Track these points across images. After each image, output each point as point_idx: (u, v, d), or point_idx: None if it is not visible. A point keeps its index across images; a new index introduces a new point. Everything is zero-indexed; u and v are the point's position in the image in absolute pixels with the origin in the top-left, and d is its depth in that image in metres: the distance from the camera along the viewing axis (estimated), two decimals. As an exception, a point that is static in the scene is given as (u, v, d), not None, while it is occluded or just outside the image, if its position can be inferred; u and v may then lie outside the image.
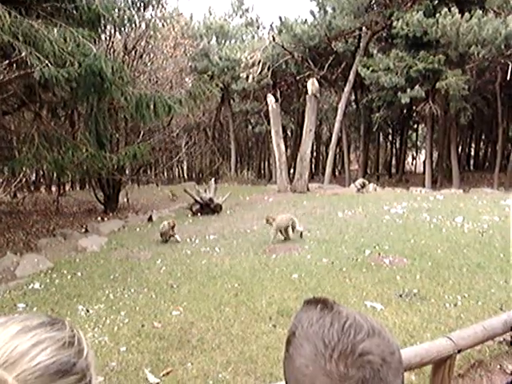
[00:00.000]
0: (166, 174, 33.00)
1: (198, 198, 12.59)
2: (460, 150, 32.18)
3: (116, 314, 5.17)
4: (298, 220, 8.82)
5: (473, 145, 36.31)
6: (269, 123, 19.63)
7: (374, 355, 0.68)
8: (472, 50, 18.37)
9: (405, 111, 28.56)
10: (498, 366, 3.77)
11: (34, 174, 21.91)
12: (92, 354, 0.72)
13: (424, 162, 27.66)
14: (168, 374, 3.74)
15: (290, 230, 8.61)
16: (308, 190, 16.23)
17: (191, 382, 3.59)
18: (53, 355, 0.63)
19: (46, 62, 7.37)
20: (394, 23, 19.91)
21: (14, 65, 8.36)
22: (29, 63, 7.43)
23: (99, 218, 13.56)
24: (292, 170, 22.02)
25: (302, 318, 0.76)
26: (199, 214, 12.41)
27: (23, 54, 7.15)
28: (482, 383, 3.59)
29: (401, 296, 5.32)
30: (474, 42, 18.08)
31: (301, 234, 8.72)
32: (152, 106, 10.18)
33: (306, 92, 17.44)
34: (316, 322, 0.73)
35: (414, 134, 39.29)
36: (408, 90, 20.06)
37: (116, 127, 14.86)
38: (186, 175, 34.64)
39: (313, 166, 32.99)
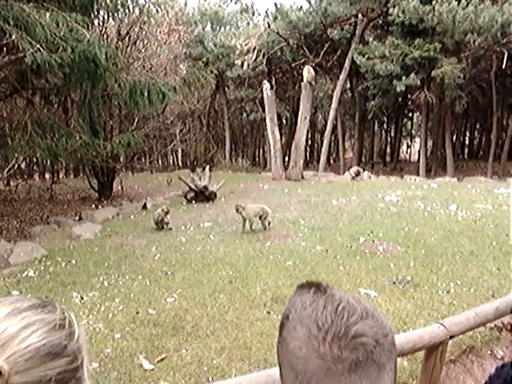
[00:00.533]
0: (160, 161, 32.93)
1: (193, 186, 12.57)
2: (454, 138, 32.24)
3: (110, 301, 5.17)
4: (270, 211, 8.66)
5: (467, 133, 36.38)
6: (264, 110, 19.56)
7: (368, 337, 0.68)
8: (468, 38, 18.33)
9: (400, 99, 28.53)
10: (489, 352, 3.82)
11: (28, 162, 21.80)
12: (83, 336, 0.71)
13: (419, 151, 27.71)
14: (162, 360, 3.76)
15: (262, 219, 8.50)
16: (303, 177, 16.23)
17: (186, 368, 3.61)
18: (43, 337, 0.62)
19: (38, 46, 7.28)
20: (390, 10, 19.81)
21: (5, 50, 8.25)
22: (20, 48, 7.34)
23: (93, 206, 13.52)
24: (287, 158, 22.01)
25: (296, 302, 0.76)
26: (194, 202, 12.40)
27: (13, 37, 7.05)
28: (473, 368, 3.63)
29: (394, 283, 5.36)
30: (470, 30, 18.04)
31: (268, 223, 8.59)
32: (146, 93, 10.12)
33: (301, 79, 17.36)
34: (309, 305, 0.73)
35: (409, 123, 39.34)
36: (403, 77, 20.04)
37: (110, 114, 14.77)
38: (180, 163, 34.56)
39: (307, 153, 33.01)
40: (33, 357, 0.60)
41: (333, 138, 31.00)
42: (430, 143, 30.26)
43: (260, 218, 8.51)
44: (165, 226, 9.19)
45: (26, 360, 0.59)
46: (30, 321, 0.63)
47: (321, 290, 0.76)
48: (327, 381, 0.67)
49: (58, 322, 0.66)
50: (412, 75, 19.78)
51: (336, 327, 0.68)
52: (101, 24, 14.61)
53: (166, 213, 9.20)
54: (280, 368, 0.77)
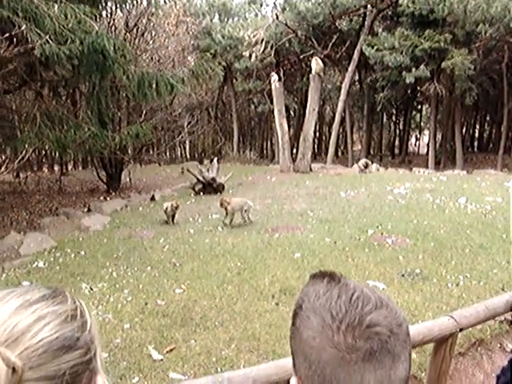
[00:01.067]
0: (168, 153, 32.92)
1: (201, 178, 12.57)
2: (464, 131, 31.97)
3: (119, 292, 5.21)
4: (252, 204, 8.70)
5: (477, 126, 36.05)
6: (272, 102, 19.50)
7: (382, 327, 0.67)
8: (479, 29, 18.11)
9: (409, 91, 28.31)
10: (499, 345, 3.80)
11: (37, 154, 21.94)
12: (95, 325, 0.70)
13: (427, 143, 27.51)
14: (171, 350, 3.78)
15: (243, 213, 8.48)
16: (311, 169, 16.18)
17: (194, 358, 3.63)
18: (56, 330, 0.61)
19: (47, 38, 7.28)
20: (400, 1, 19.63)
21: (14, 41, 8.26)
22: (29, 40, 7.35)
23: (102, 198, 13.58)
24: (295, 150, 21.96)
25: (309, 292, 0.75)
26: (202, 194, 12.42)
27: (23, 28, 7.05)
28: (482, 362, 3.62)
29: (403, 275, 5.34)
30: (482, 20, 17.81)
31: (248, 219, 8.56)
32: (154, 85, 10.11)
33: (310, 71, 17.25)
34: (323, 294, 0.72)
35: (418, 115, 39.02)
36: (413, 69, 19.87)
37: (118, 106, 14.77)
38: (188, 155, 34.55)
39: (315, 146, 32.89)
40: (46, 351, 0.59)
41: (341, 130, 30.87)
42: (439, 136, 30.05)
43: (241, 211, 8.49)
44: (171, 219, 9.07)
45: (39, 355, 0.58)
46: (41, 314, 0.62)
47: (334, 279, 0.75)
48: (341, 370, 0.66)
49: (69, 313, 0.65)
50: (422, 67, 19.60)
51: (350, 316, 0.68)
52: (109, 16, 14.58)
53: (176, 208, 9.04)
54: (293, 357, 0.76)
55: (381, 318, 0.68)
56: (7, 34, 7.04)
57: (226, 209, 8.51)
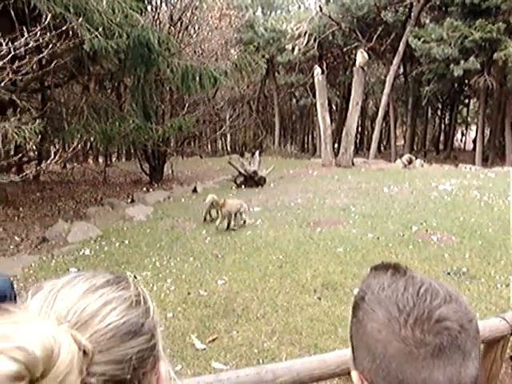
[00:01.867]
0: (209, 146, 33.23)
1: (243, 171, 12.61)
2: (515, 125, 30.62)
3: (163, 281, 5.31)
4: (247, 207, 8.17)
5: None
6: (314, 96, 19.32)
7: (452, 321, 0.64)
8: (536, 17, 17.25)
9: (456, 85, 27.36)
10: (552, 349, 3.63)
11: (82, 146, 22.62)
12: (157, 312, 0.70)
13: (474, 139, 26.58)
14: (214, 340, 3.82)
15: (239, 215, 7.96)
16: (353, 164, 15.94)
17: (236, 349, 3.66)
18: (122, 315, 0.61)
19: (96, 33, 7.48)
20: (450, -10, 18.94)
21: (64, 37, 8.52)
22: (79, 35, 7.56)
23: (145, 189, 13.87)
24: (337, 145, 21.69)
25: (372, 284, 0.73)
26: (243, 187, 12.46)
27: (75, 23, 7.25)
28: (534, 366, 3.47)
29: (449, 274, 5.19)
30: (540, 7, 16.95)
31: (244, 222, 8.02)
32: (198, 78, 10.21)
33: (353, 64, 16.98)
34: (388, 286, 0.70)
35: (465, 110, 37.68)
36: (461, 61, 19.14)
37: (162, 99, 14.98)
38: (229, 148, 34.77)
39: (358, 140, 32.39)
40: (114, 335, 0.59)
41: (384, 124, 30.24)
42: (487, 131, 28.95)
43: (235, 214, 7.92)
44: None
45: (108, 339, 0.58)
46: (107, 298, 0.62)
47: (399, 271, 0.73)
48: (408, 366, 0.64)
49: (133, 299, 0.65)
50: (471, 58, 18.85)
51: (418, 310, 0.65)
52: (154, 10, 14.82)
53: (212, 204, 8.16)
54: (353, 351, 0.74)
55: (451, 312, 0.65)
56: (61, 30, 7.24)
57: (220, 211, 7.85)
